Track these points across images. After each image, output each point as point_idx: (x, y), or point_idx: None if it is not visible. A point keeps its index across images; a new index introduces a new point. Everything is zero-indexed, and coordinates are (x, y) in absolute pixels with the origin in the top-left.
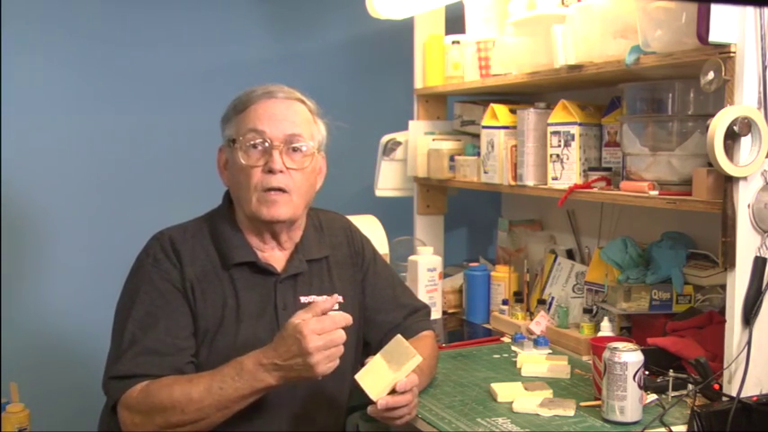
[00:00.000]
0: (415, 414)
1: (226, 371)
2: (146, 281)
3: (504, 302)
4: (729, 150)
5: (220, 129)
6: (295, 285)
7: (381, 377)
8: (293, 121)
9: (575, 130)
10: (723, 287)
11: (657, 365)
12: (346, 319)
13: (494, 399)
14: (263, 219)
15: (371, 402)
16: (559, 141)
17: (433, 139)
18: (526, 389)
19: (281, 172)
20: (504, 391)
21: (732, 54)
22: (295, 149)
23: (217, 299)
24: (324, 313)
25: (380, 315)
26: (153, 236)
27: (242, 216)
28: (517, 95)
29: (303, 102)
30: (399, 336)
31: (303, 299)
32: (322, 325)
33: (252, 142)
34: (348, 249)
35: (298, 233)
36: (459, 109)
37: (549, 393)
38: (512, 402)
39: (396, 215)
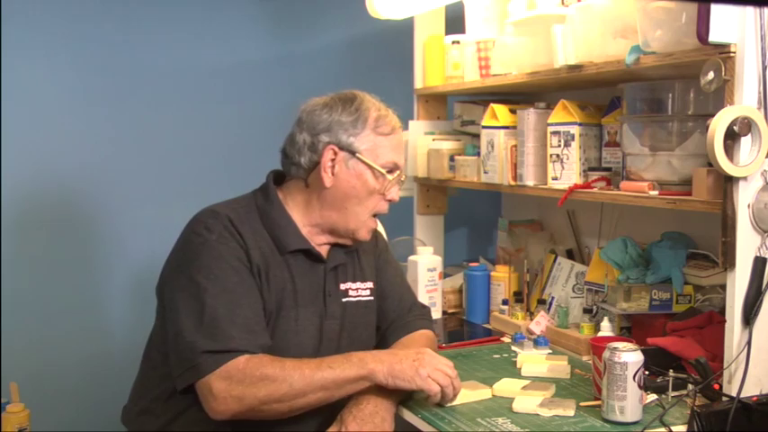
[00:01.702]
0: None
1: (333, 357)
2: (215, 257)
3: (504, 302)
4: (729, 150)
5: (331, 127)
6: (336, 273)
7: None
8: None
9: (575, 130)
10: (723, 287)
11: (657, 365)
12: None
13: (494, 396)
14: (359, 239)
15: None
16: (559, 141)
17: (433, 139)
18: (526, 387)
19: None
20: (505, 387)
21: (732, 54)
22: None
23: (278, 282)
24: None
25: (386, 302)
26: (203, 213)
27: (322, 215)
28: (517, 95)
29: None
30: None
31: (342, 285)
32: (447, 364)
33: (390, 172)
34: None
35: None
36: (459, 109)
37: (549, 392)
38: (512, 402)
39: (396, 215)
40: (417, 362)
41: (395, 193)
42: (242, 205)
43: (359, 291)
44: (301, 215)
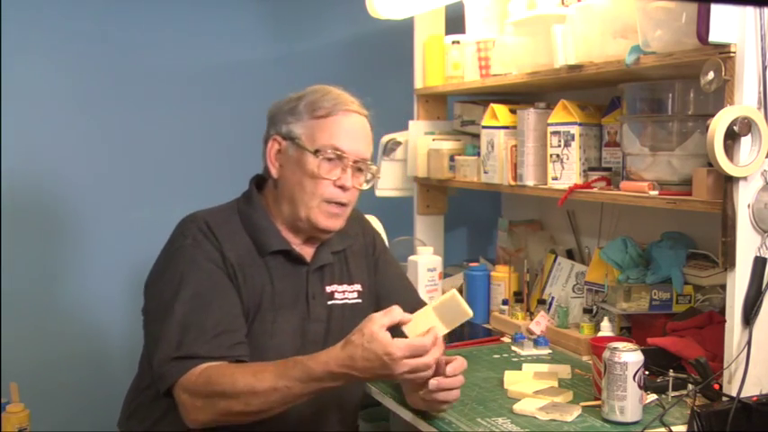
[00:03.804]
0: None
1: (292, 373)
2: (188, 262)
3: (505, 302)
4: (729, 150)
5: (275, 117)
6: (322, 275)
7: (424, 324)
8: (366, 144)
9: (575, 130)
10: (723, 287)
11: (657, 365)
12: (439, 345)
13: (501, 386)
14: (319, 227)
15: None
16: (559, 141)
17: (433, 139)
18: (540, 392)
19: (348, 189)
20: (513, 378)
21: (732, 54)
22: (361, 170)
23: (256, 285)
24: (399, 322)
25: (389, 302)
26: (184, 219)
27: (282, 210)
28: (517, 95)
29: (367, 117)
30: (455, 291)
31: (328, 288)
32: (413, 352)
33: (330, 156)
34: (363, 239)
35: None
36: (459, 109)
37: (554, 383)
38: (514, 403)
39: (396, 215)
40: (390, 374)
41: (347, 180)
42: (223, 210)
43: (345, 293)
44: (277, 215)
